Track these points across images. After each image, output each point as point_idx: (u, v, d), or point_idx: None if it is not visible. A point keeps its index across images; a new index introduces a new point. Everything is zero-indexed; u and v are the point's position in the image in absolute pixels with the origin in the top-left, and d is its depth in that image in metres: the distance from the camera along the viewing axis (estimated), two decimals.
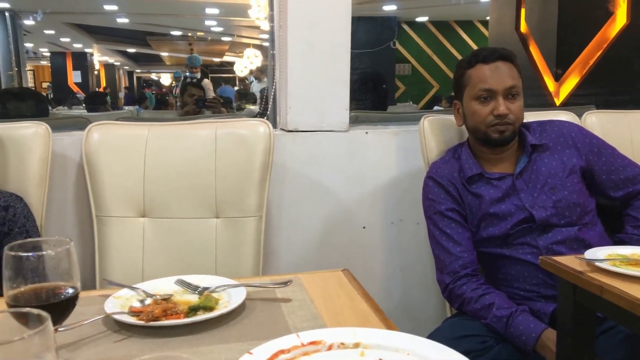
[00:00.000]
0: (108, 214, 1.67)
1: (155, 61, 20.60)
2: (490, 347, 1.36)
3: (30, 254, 0.74)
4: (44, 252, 0.75)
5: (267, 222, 1.69)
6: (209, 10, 9.08)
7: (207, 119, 1.82)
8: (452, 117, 1.70)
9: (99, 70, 17.74)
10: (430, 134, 1.74)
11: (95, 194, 1.66)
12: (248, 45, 13.41)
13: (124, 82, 21.59)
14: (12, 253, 0.74)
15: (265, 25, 6.52)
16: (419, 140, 1.75)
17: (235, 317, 0.96)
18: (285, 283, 1.04)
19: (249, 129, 1.69)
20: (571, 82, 4.00)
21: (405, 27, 9.65)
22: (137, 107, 8.09)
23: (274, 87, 2.05)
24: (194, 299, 1.02)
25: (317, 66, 1.87)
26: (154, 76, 24.10)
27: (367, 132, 1.94)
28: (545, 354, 1.29)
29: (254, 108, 6.68)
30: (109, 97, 6.44)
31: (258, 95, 7.28)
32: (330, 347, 0.79)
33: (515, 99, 1.51)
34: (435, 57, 9.69)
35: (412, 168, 1.94)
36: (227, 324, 0.94)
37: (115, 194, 1.66)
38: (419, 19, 9.65)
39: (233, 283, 1.07)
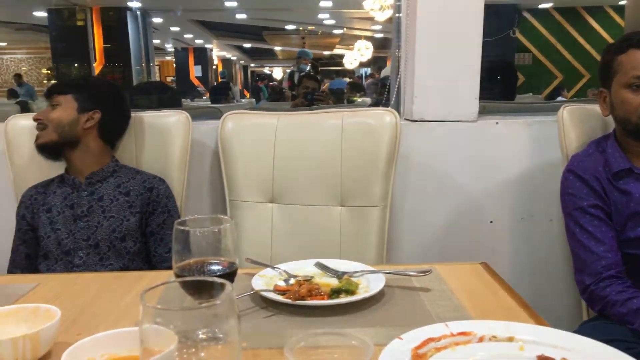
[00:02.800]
0: (240, 198, 1.74)
1: (268, 55, 21.31)
2: (638, 354, 1.25)
3: (196, 229, 0.79)
4: (208, 228, 0.80)
5: (390, 212, 1.68)
6: (322, 4, 9.21)
7: (334, 108, 1.84)
8: (595, 107, 1.58)
9: (217, 65, 18.67)
10: (570, 124, 1.63)
11: (229, 179, 1.75)
12: (359, 37, 13.45)
13: (239, 76, 22.57)
14: (181, 228, 0.79)
15: (380, 16, 6.49)
16: (557, 131, 1.65)
17: (376, 303, 0.96)
18: (425, 272, 1.03)
19: (375, 119, 1.69)
20: None
21: (527, 14, 9.14)
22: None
23: (398, 77, 2.04)
24: (333, 282, 1.04)
25: (446, 55, 1.82)
26: (266, 70, 24.95)
27: (497, 123, 1.86)
28: None
29: (366, 100, 6.68)
30: (230, 90, 6.83)
31: (368, 86, 7.26)
32: (481, 339, 0.77)
33: None
34: (559, 46, 9.09)
35: (547, 161, 1.83)
36: (368, 308, 0.95)
37: (247, 179, 1.73)
38: (542, 6, 9.10)
39: (371, 269, 1.07)
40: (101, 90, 1.64)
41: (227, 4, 9.40)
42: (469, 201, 1.90)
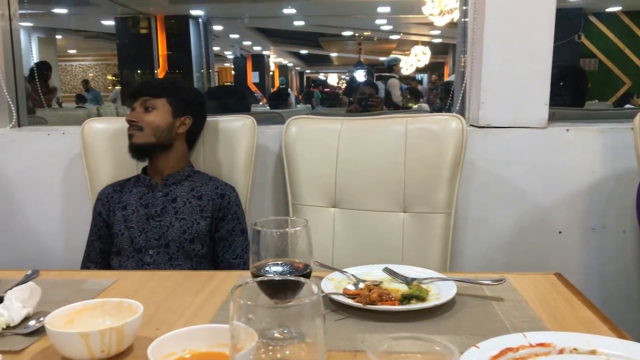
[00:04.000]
0: (303, 202, 1.76)
1: (324, 62, 21.46)
2: None
3: (273, 230, 0.81)
4: (284, 230, 0.81)
5: (453, 219, 1.65)
6: (380, 9, 9.19)
7: (398, 114, 1.84)
8: None
9: (273, 71, 18.96)
10: None
11: (292, 183, 1.77)
12: (416, 42, 13.34)
13: (295, 82, 22.82)
14: (258, 229, 0.81)
15: (439, 21, 6.42)
16: (633, 139, 1.58)
17: (448, 311, 0.95)
18: (499, 281, 1.01)
19: (440, 124, 1.67)
20: None
21: (593, 18, 8.80)
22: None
23: (463, 82, 2.01)
24: (402, 287, 1.03)
25: (515, 59, 1.78)
26: (321, 76, 25.13)
27: (568, 130, 1.80)
28: None
29: (423, 106, 6.62)
30: (290, 96, 7.00)
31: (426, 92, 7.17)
32: (561, 351, 0.74)
33: None
34: (627, 51, 8.68)
35: (621, 170, 1.76)
36: (440, 316, 0.93)
37: (309, 184, 1.75)
38: (610, 9, 8.74)
39: (441, 276, 1.06)
40: (190, 96, 1.70)
41: (285, 11, 9.54)
42: (536, 210, 1.84)
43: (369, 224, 1.71)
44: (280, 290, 0.65)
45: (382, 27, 11.76)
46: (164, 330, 0.88)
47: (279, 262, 0.82)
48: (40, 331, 0.89)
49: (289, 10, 9.50)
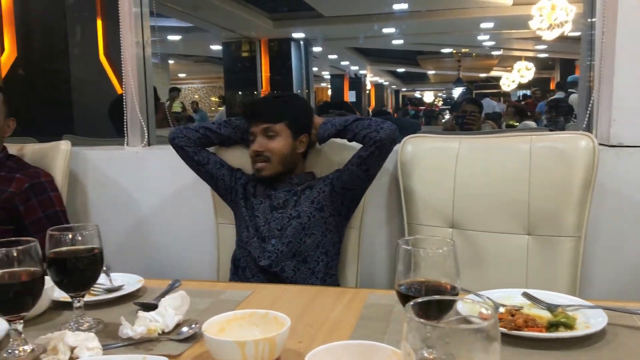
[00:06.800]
0: (418, 222, 1.74)
1: (420, 79, 21.30)
2: None
3: (420, 249, 0.81)
4: (433, 249, 0.81)
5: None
6: (483, 25, 8.99)
7: (522, 132, 1.77)
8: None
9: (369, 90, 19.08)
10: None
11: (407, 202, 1.75)
12: (518, 58, 12.88)
13: (391, 100, 22.80)
14: (405, 247, 0.81)
15: (548, 36, 6.16)
16: None
17: (599, 341, 0.90)
18: None
19: (568, 143, 1.59)
20: None
21: None
22: None
23: (591, 99, 1.90)
24: (544, 314, 0.99)
25: None
26: (417, 94, 24.92)
27: None
28: None
29: (531, 123, 6.36)
30: (390, 115, 7.05)
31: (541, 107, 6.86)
32: None
33: None
34: None
35: None
36: (591, 346, 0.88)
37: (426, 203, 1.72)
38: None
39: (588, 304, 1.00)
40: (305, 113, 1.72)
41: (385, 30, 9.60)
42: None
43: (489, 246, 1.65)
44: (432, 310, 0.65)
45: (485, 43, 11.48)
46: (306, 344, 0.90)
47: (424, 282, 0.81)
48: (192, 338, 0.94)
49: (388, 30, 9.56)
